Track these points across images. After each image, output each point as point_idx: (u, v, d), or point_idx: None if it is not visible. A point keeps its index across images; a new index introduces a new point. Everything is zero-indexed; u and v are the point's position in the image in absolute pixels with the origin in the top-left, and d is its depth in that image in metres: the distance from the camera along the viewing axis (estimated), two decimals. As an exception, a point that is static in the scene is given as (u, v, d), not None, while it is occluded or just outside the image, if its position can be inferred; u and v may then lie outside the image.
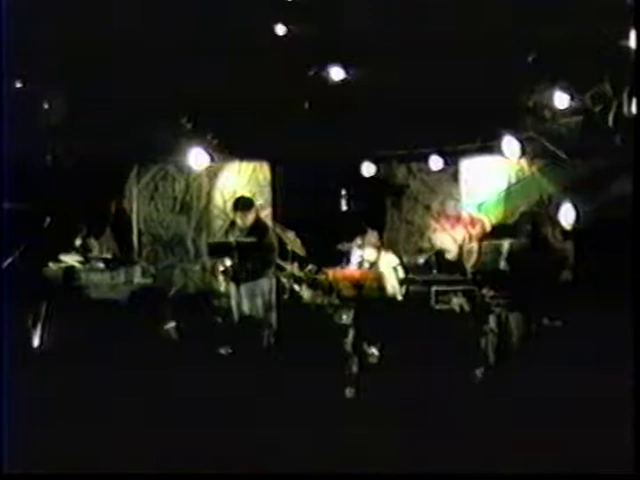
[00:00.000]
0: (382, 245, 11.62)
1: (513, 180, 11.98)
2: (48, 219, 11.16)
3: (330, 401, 7.47)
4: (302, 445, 6.24)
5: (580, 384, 7.43)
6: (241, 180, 13.39)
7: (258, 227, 10.67)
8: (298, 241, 11.38)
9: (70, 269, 11.66)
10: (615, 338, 7.60)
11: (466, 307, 9.69)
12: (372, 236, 11.49)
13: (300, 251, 11.25)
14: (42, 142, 11.91)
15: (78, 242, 12.35)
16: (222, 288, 11.45)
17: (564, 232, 10.66)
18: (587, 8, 9.27)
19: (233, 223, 10.86)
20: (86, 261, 11.98)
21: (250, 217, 10.65)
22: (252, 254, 10.44)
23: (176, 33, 10.15)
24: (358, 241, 11.67)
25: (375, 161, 12.47)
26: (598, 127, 10.30)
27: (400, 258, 11.43)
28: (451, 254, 11.62)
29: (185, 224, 13.42)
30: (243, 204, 10.82)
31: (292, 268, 11.45)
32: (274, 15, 10.43)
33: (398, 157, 12.75)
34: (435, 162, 12.08)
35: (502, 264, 9.77)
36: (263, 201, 13.11)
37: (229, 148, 12.40)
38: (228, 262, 10.80)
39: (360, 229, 11.86)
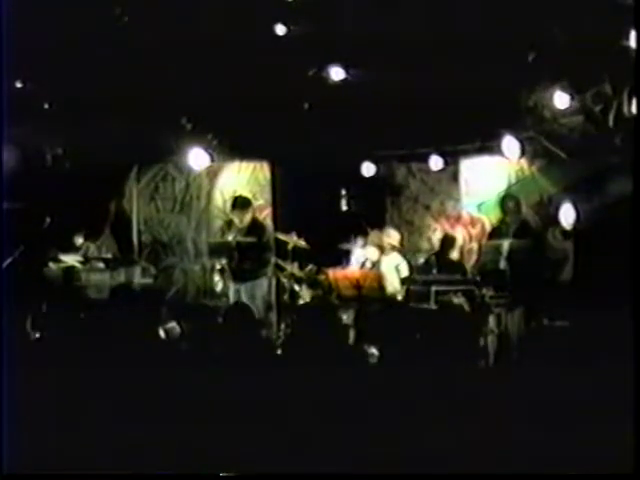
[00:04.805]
0: (403, 246, 11.66)
1: (513, 180, 11.96)
2: (48, 219, 11.17)
3: (330, 400, 7.46)
4: (302, 445, 6.24)
5: (580, 384, 7.42)
6: (241, 180, 13.38)
7: (255, 226, 10.69)
8: (302, 242, 11.45)
9: (70, 269, 11.66)
10: (615, 338, 7.60)
11: (466, 307, 9.68)
12: (375, 236, 11.50)
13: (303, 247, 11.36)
14: (42, 142, 11.92)
15: (78, 242, 12.35)
16: (218, 288, 11.47)
17: (564, 232, 10.67)
18: (587, 8, 9.27)
19: (230, 223, 10.87)
20: (86, 261, 11.99)
21: (247, 217, 10.67)
22: (250, 253, 10.46)
23: (176, 33, 10.15)
24: (360, 241, 11.69)
25: (375, 161, 12.47)
26: (598, 127, 10.30)
27: (404, 257, 11.45)
28: (451, 254, 11.61)
29: (185, 224, 13.41)
30: (240, 203, 10.85)
31: (292, 268, 11.46)
32: (274, 15, 10.42)
33: (398, 157, 12.75)
34: (435, 162, 12.08)
35: (502, 264, 9.77)
36: (263, 201, 13.12)
37: (229, 148, 12.40)
38: (223, 261, 10.83)
39: (361, 229, 11.88)
